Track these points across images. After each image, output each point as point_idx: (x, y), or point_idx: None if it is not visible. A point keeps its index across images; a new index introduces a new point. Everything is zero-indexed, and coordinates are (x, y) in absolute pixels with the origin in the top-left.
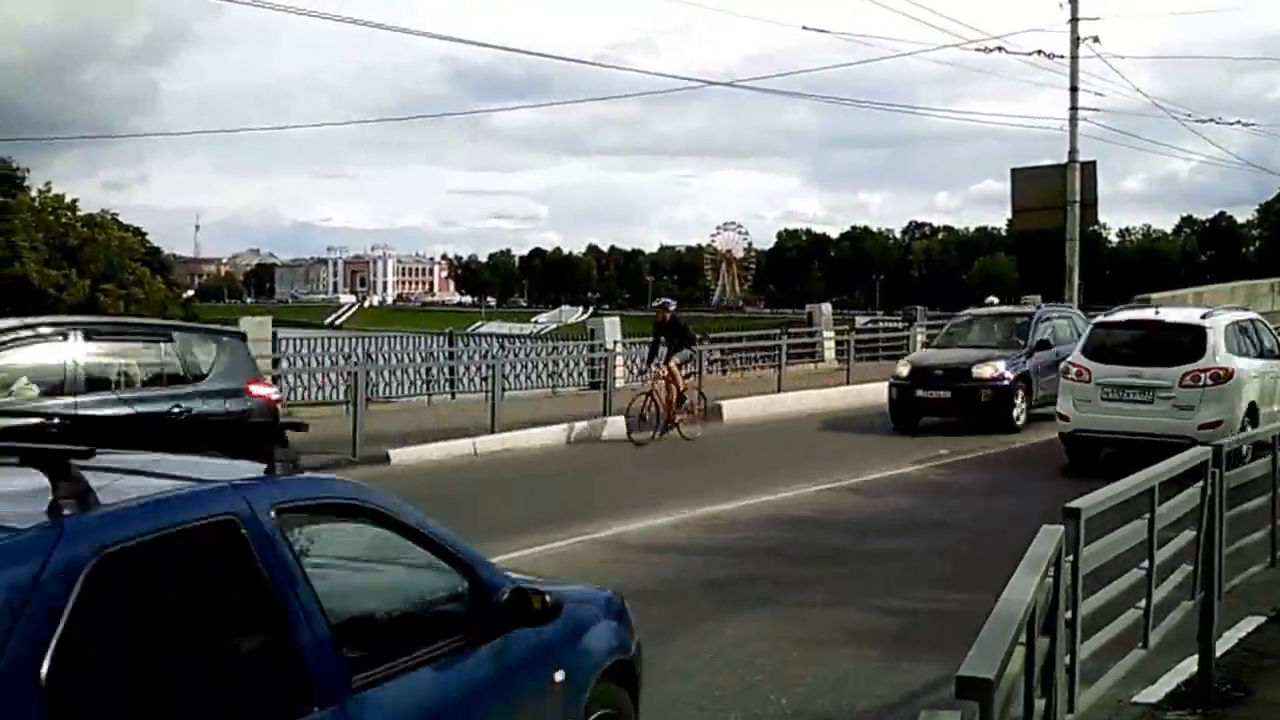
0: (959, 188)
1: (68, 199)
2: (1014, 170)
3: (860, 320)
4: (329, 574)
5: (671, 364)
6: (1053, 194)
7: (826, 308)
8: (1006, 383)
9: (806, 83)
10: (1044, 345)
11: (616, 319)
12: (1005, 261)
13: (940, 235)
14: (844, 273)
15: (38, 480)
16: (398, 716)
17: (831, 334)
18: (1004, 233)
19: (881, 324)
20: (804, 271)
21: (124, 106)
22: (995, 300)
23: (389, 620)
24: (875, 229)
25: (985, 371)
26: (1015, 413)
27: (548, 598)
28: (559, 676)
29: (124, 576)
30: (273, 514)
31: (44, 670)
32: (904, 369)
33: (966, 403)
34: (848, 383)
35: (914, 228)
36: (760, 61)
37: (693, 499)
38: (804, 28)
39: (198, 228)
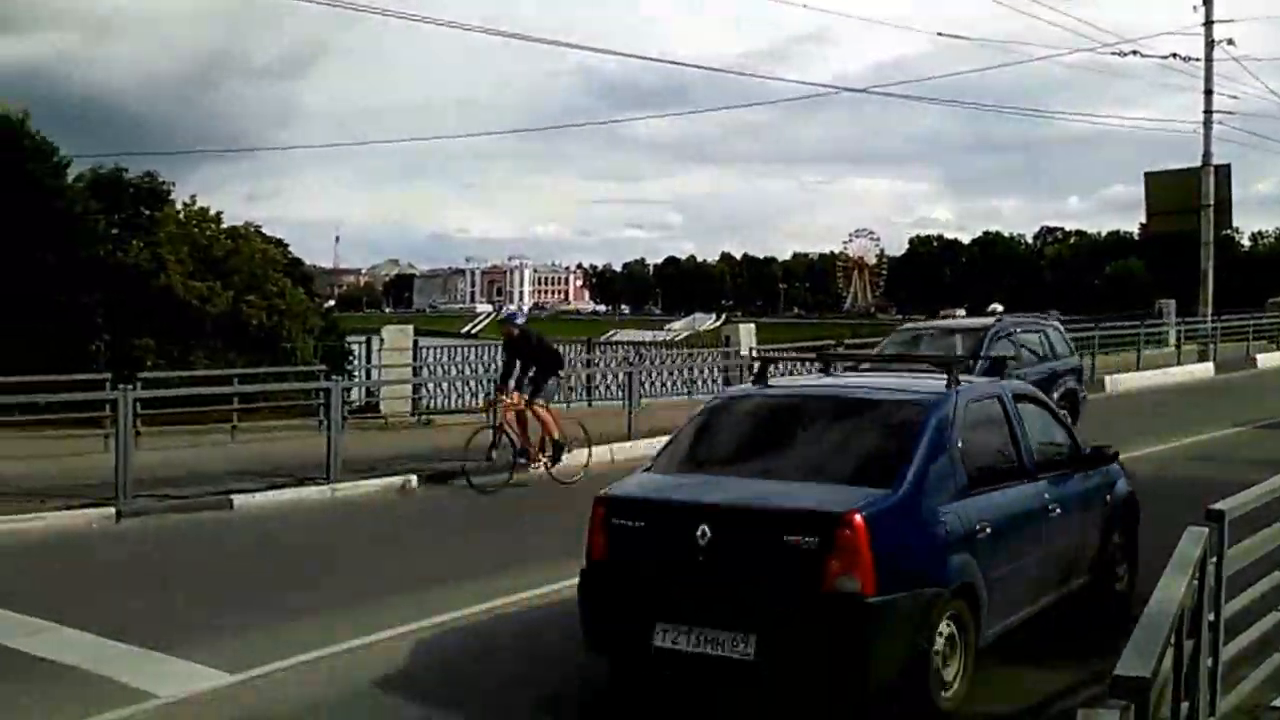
0: (1090, 192)
1: (211, 212)
2: (1148, 174)
3: None
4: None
5: (536, 405)
6: (1187, 197)
7: (961, 313)
8: None
9: (939, 88)
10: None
11: (751, 325)
12: (1137, 265)
13: (1072, 240)
14: (975, 278)
15: (935, 377)
16: (1049, 494)
17: None
18: (1136, 236)
19: None
20: (935, 277)
21: (266, 120)
22: (999, 309)
23: (1043, 452)
24: (1007, 234)
25: None
26: None
27: (1111, 450)
28: (1108, 498)
29: (972, 413)
30: (1011, 395)
31: (958, 443)
32: None
33: None
34: None
35: (1045, 232)
36: (894, 68)
37: None
38: (939, 34)
39: (337, 239)
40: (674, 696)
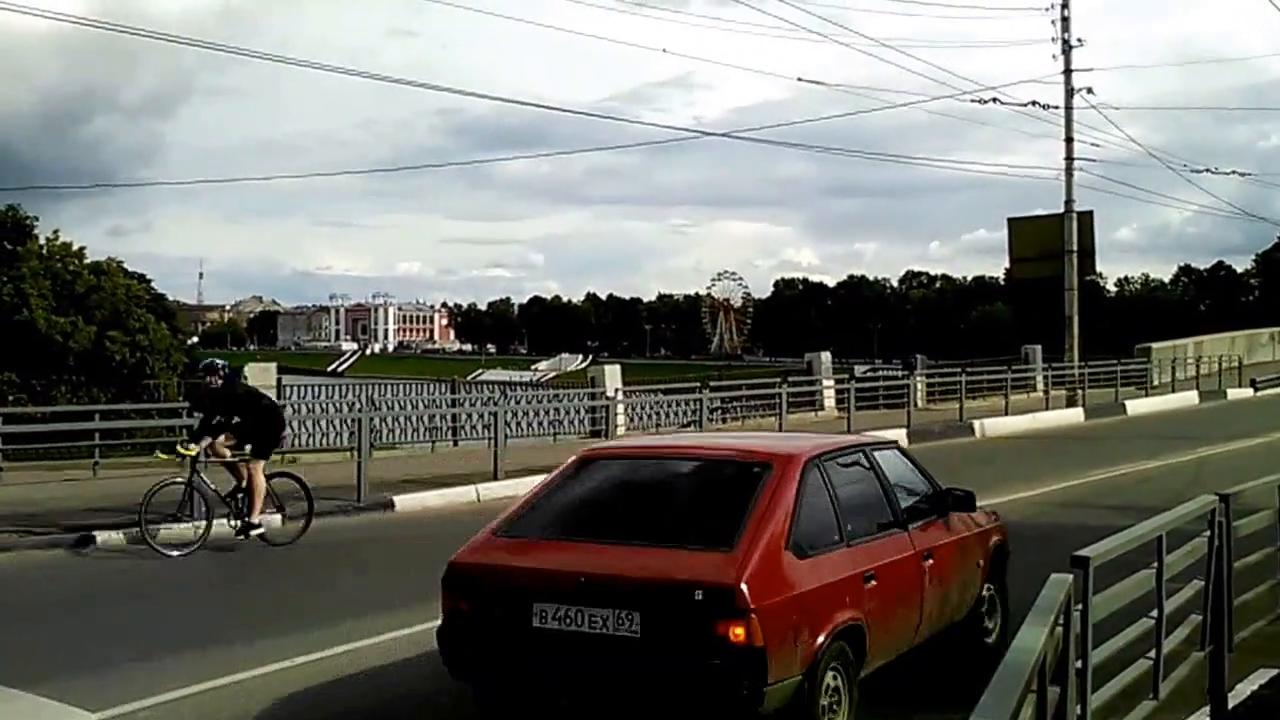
0: (951, 237)
1: (75, 247)
2: (1011, 220)
3: (859, 369)
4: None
5: (253, 465)
6: (1050, 243)
7: (826, 356)
8: None
9: (802, 133)
10: None
11: (617, 367)
12: (1002, 310)
13: (937, 284)
14: (841, 321)
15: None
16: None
17: (831, 382)
18: (1001, 282)
19: (881, 372)
20: (802, 320)
21: (130, 157)
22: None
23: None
24: (870, 278)
25: None
26: None
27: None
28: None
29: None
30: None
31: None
32: None
33: None
34: (849, 432)
35: (911, 276)
36: (757, 113)
37: None
38: (799, 79)
39: (201, 275)
40: None
